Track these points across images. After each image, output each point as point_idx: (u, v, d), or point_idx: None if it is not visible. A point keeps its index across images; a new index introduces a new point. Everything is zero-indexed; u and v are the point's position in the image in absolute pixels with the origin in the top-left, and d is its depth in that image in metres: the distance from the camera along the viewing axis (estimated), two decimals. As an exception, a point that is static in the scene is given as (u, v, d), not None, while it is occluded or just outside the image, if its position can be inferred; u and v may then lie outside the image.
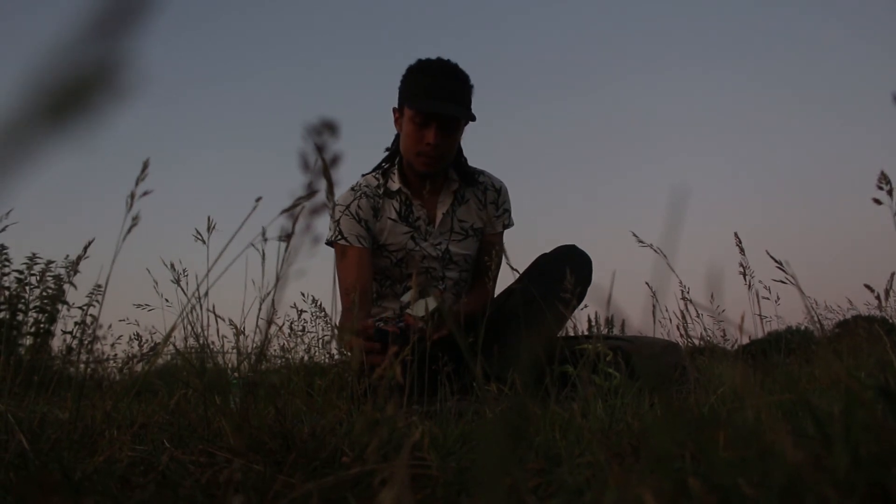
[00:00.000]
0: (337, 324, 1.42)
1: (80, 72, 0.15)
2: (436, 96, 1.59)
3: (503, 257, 1.66)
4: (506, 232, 1.87)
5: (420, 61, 1.66)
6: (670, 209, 0.40)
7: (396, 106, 1.72)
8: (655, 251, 1.47)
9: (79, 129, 0.16)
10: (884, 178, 0.86)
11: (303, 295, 2.93)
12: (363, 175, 1.81)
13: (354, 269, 1.65)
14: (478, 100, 1.67)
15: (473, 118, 1.62)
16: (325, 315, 2.83)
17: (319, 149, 0.55)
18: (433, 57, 1.65)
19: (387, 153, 1.82)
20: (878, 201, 0.87)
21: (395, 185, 1.73)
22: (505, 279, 1.82)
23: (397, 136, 1.79)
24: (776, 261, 1.18)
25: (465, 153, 1.81)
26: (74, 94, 0.15)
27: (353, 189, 1.74)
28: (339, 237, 1.68)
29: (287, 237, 0.61)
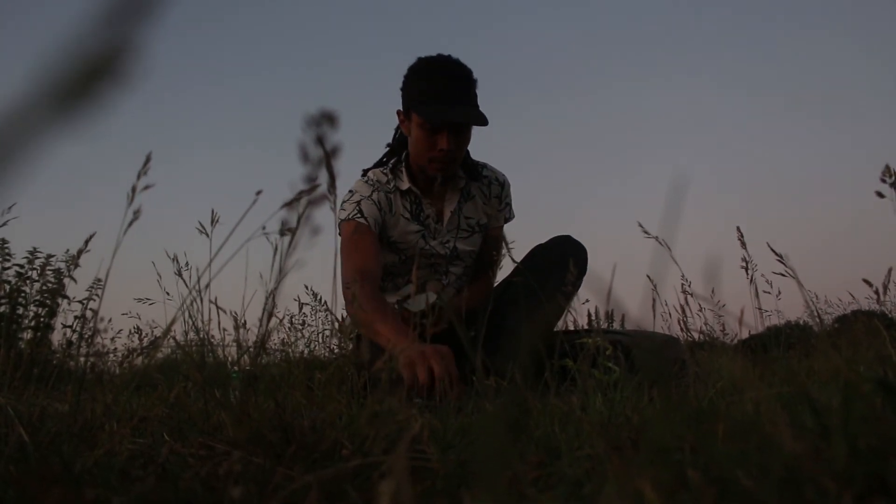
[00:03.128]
0: (345, 306, 1.35)
1: (86, 61, 0.15)
2: (445, 101, 1.54)
3: (504, 250, 1.66)
4: (507, 226, 1.88)
5: (420, 60, 1.61)
6: (671, 195, 0.40)
7: (401, 108, 1.67)
8: (660, 243, 1.47)
9: (83, 118, 0.15)
10: (888, 172, 0.86)
11: (306, 287, 2.94)
12: (365, 170, 1.79)
13: (369, 250, 1.59)
14: (481, 98, 1.64)
15: (486, 122, 1.55)
16: (326, 309, 2.83)
17: (319, 140, 0.55)
18: (433, 54, 1.60)
19: (388, 149, 1.80)
20: (880, 194, 0.86)
21: (404, 184, 1.71)
22: (504, 271, 1.82)
23: (398, 133, 1.77)
24: (776, 253, 1.18)
25: (468, 146, 1.79)
26: (80, 83, 0.15)
27: (367, 182, 1.71)
28: (359, 216, 1.63)
29: (289, 230, 0.61)
